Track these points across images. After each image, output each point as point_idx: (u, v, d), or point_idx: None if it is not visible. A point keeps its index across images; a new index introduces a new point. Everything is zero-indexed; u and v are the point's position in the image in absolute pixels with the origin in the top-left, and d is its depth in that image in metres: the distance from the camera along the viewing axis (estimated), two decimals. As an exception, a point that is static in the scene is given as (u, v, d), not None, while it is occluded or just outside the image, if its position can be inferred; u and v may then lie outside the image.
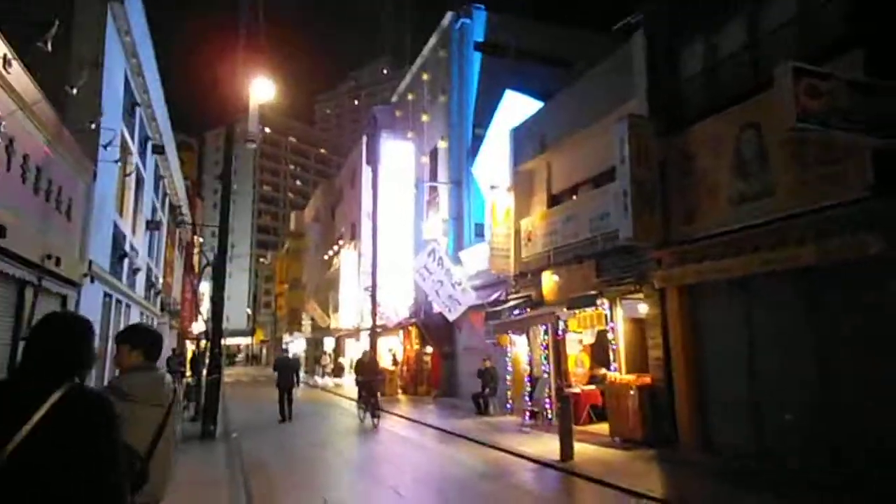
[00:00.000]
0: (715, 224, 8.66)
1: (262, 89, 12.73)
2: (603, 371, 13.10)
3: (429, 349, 22.32)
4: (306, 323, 39.18)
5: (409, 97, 28.97)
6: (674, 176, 9.52)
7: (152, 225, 19.16)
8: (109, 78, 12.45)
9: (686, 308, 9.40)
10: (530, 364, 14.01)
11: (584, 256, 11.81)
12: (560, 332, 13.25)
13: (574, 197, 13.56)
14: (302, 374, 40.55)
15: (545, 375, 13.21)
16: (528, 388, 13.83)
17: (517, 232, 15.04)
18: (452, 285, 15.21)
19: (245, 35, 13.20)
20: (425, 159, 25.82)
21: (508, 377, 14.70)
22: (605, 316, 10.97)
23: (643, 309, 10.45)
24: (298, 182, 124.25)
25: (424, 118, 26.35)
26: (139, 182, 16.76)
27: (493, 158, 20.33)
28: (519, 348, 14.39)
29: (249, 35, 13.30)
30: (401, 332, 24.54)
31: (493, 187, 15.12)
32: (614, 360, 11.16)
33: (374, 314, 20.31)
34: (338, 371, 35.11)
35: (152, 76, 15.78)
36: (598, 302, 10.76)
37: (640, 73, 10.67)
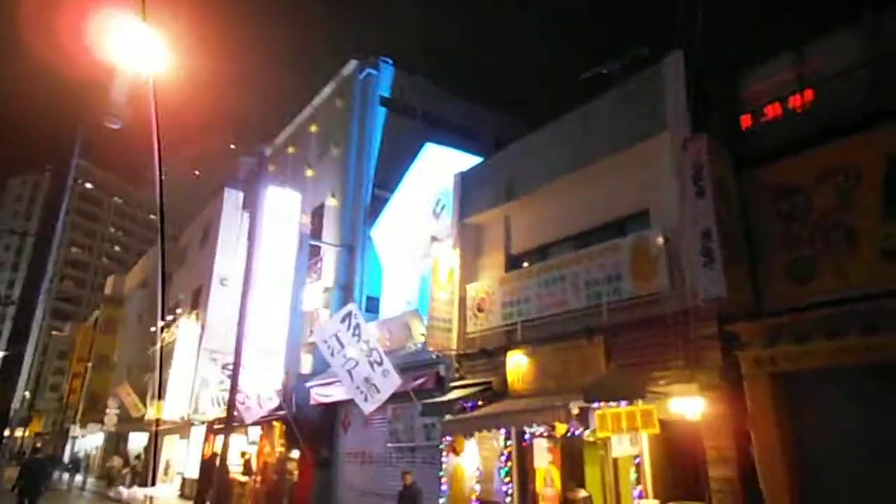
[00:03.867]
0: (851, 284, 6.12)
1: (141, 46, 8.39)
2: (583, 494, 9.73)
3: (295, 453, 17.19)
4: (111, 412, 30.68)
5: (290, 150, 25.28)
6: (762, 220, 7.01)
7: None
8: None
9: (783, 407, 6.57)
10: (480, 481, 10.13)
11: (588, 331, 8.69)
12: (527, 437, 9.74)
13: (544, 258, 10.64)
14: (91, 479, 31.36)
15: (507, 499, 9.46)
16: (478, 517, 9.88)
17: (462, 299, 11.65)
18: (371, 365, 11.15)
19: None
20: (306, 218, 21.87)
21: (443, 500, 10.60)
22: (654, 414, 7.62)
23: (691, 407, 7.45)
24: (117, 248, 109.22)
25: (309, 173, 22.67)
26: None
27: (405, 220, 17.22)
28: (462, 459, 10.47)
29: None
30: (257, 429, 18.99)
31: (434, 239, 11.77)
32: (638, 483, 7.85)
33: (231, 400, 15.01)
34: (136, 478, 27.20)
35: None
36: (649, 392, 7.47)
37: (678, 102, 8.39)
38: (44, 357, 73.03)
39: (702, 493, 7.33)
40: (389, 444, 13.98)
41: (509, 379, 10.02)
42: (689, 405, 7.47)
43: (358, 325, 11.38)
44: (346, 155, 20.84)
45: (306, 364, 18.60)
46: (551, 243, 10.73)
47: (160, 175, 7.72)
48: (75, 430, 39.54)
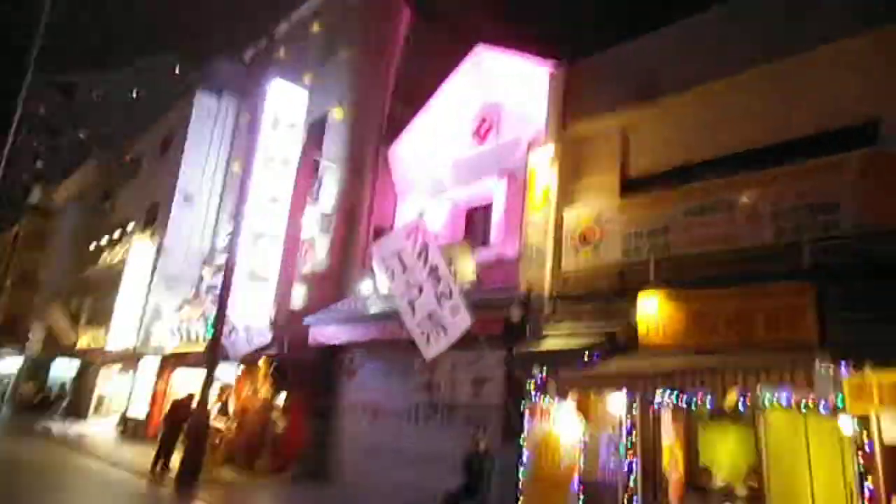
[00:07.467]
0: None
1: None
2: (722, 483, 7.64)
3: (281, 400, 14.44)
4: (36, 337, 26.56)
5: (283, 54, 21.56)
6: None
7: None
8: None
9: None
10: (582, 455, 7.82)
11: (816, 270, 6.41)
12: (656, 404, 7.50)
13: (685, 182, 8.26)
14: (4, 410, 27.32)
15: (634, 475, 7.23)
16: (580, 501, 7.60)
17: (558, 226, 9.15)
18: (438, 298, 8.53)
19: None
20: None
21: (522, 473, 8.24)
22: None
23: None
24: (39, 163, 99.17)
25: (307, 79, 19.18)
26: None
27: (435, 141, 14.54)
28: (557, 426, 8.09)
29: None
30: (228, 366, 15.95)
31: (531, 147, 9.13)
32: (867, 476, 5.73)
33: (218, 331, 12.02)
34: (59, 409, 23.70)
35: None
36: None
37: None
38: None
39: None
40: (417, 399, 11.52)
41: (640, 330, 7.68)
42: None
43: (426, 245, 8.69)
44: (359, 59, 17.65)
45: (298, 298, 15.71)
46: (697, 163, 8.34)
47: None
48: (-15, 354, 34.72)
